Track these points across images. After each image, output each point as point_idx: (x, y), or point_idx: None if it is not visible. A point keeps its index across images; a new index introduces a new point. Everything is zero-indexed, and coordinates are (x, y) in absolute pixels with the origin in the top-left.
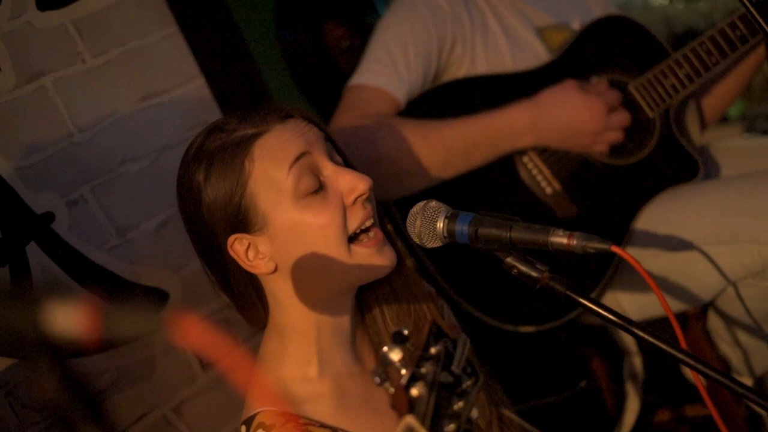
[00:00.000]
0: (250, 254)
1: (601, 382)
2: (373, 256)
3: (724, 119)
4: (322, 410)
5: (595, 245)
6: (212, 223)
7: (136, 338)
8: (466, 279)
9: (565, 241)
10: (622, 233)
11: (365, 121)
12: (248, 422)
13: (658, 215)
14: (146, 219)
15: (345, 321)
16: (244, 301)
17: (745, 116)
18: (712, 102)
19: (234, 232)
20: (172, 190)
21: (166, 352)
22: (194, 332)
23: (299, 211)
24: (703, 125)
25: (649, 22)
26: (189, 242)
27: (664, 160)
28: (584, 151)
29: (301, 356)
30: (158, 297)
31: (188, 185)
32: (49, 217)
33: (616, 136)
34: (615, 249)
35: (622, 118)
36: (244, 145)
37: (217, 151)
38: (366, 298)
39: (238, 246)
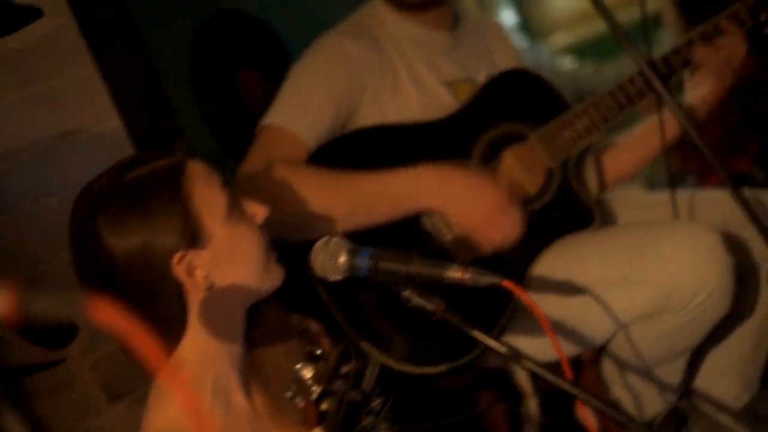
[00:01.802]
0: (192, 270)
1: (497, 425)
2: (278, 274)
3: None
4: None
5: (488, 279)
6: (154, 247)
7: (54, 320)
8: (368, 318)
9: (459, 274)
10: (519, 279)
11: (276, 164)
12: None
13: (553, 261)
14: (59, 253)
15: (236, 350)
16: (170, 327)
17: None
18: (614, 170)
19: (177, 251)
20: None
21: (70, 383)
22: (111, 311)
23: (234, 228)
24: (603, 187)
25: (557, 82)
26: None
27: (561, 208)
28: (473, 230)
29: (195, 390)
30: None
31: (117, 217)
32: None
33: (508, 231)
34: (506, 284)
35: (517, 218)
36: (177, 169)
37: (149, 177)
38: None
39: (180, 266)
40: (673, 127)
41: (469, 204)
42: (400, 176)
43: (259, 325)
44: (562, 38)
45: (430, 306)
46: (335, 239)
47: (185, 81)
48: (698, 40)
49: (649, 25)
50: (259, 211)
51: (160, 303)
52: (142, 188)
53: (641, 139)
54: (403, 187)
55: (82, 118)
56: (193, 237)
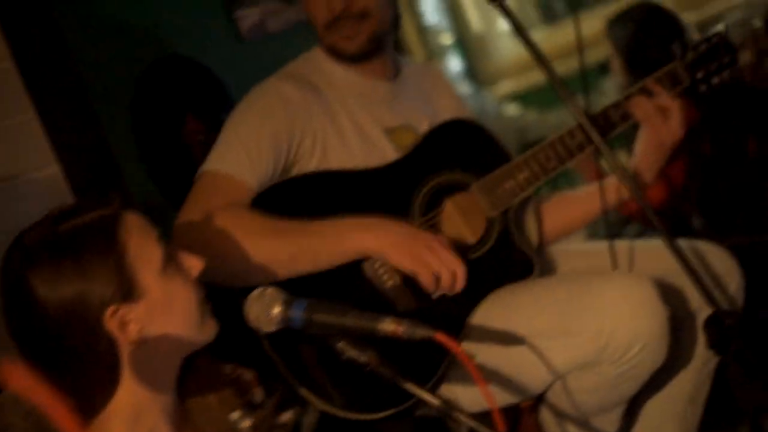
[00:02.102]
0: (126, 323)
1: None
2: (211, 327)
3: None
4: None
5: (422, 333)
6: (87, 301)
7: None
8: (307, 365)
9: (393, 328)
10: (459, 327)
11: (217, 213)
12: None
13: (492, 310)
14: None
15: (168, 401)
16: (99, 384)
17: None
18: (555, 223)
19: (109, 304)
20: None
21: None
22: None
23: (168, 281)
24: (543, 239)
25: (502, 132)
26: None
27: (501, 258)
28: (419, 267)
29: None
30: None
31: (50, 268)
32: None
33: (448, 266)
34: (439, 337)
35: (455, 258)
36: (113, 220)
37: (84, 228)
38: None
39: (112, 319)
40: (614, 192)
41: (407, 243)
42: (340, 223)
43: (192, 375)
44: (507, 86)
45: (363, 358)
46: (270, 290)
47: (127, 127)
48: (638, 95)
49: (588, 77)
50: (194, 264)
51: (91, 358)
52: (76, 240)
53: (583, 200)
54: (344, 233)
55: (21, 164)
56: (127, 291)
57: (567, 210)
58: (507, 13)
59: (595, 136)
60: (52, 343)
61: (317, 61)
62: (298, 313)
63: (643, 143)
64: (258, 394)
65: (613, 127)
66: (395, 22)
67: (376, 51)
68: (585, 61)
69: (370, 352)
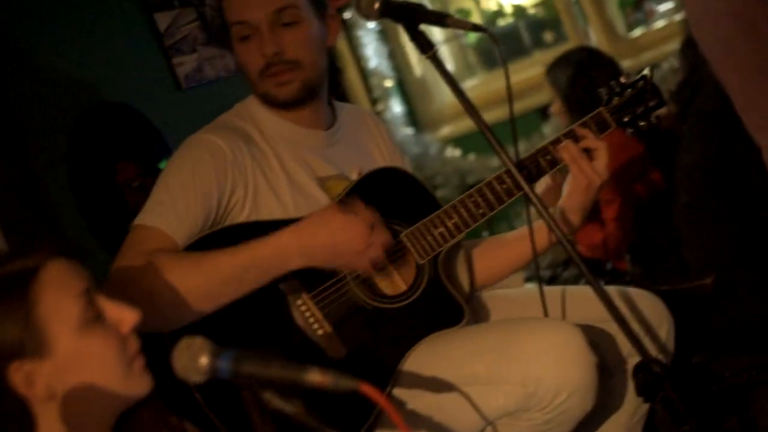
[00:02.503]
0: (32, 380)
1: None
2: (142, 382)
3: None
4: None
5: (347, 385)
6: None
7: None
8: (237, 415)
9: (318, 379)
10: (390, 374)
11: (140, 259)
12: None
13: (423, 357)
14: None
15: None
16: None
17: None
18: (486, 269)
19: (14, 359)
20: None
21: None
22: None
23: (84, 340)
24: (474, 284)
25: (443, 173)
26: None
27: (431, 305)
28: (350, 268)
29: None
30: None
31: None
32: None
33: (377, 253)
34: (363, 388)
35: (383, 236)
36: (29, 273)
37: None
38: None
39: (17, 374)
40: (545, 236)
41: (331, 251)
42: (264, 242)
43: (134, 428)
44: (448, 129)
45: (288, 408)
46: (198, 340)
47: (62, 174)
48: (566, 140)
49: (528, 122)
50: (126, 318)
51: (1, 410)
52: None
53: (513, 243)
54: (268, 255)
55: None
56: (35, 347)
57: (498, 254)
58: (438, 65)
59: (523, 183)
60: None
61: (251, 110)
62: (225, 364)
63: (570, 185)
64: None
65: (542, 173)
66: (330, 72)
67: (309, 99)
68: (526, 105)
69: (297, 402)
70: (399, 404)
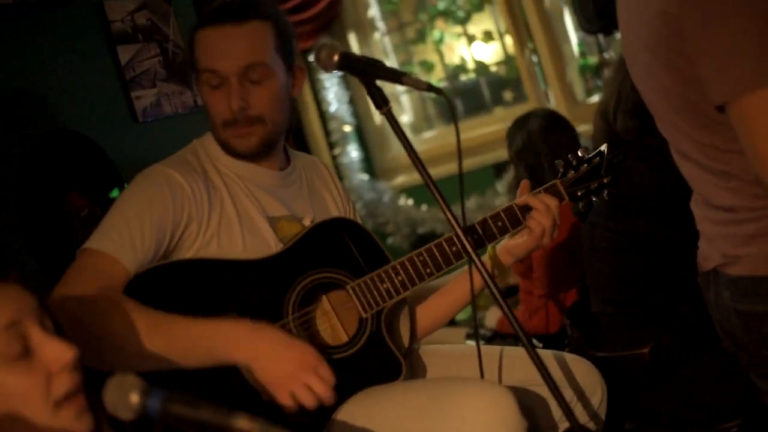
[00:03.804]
0: None
1: None
2: (75, 422)
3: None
4: None
5: None
6: None
7: None
8: None
9: (247, 426)
10: (323, 422)
11: (94, 294)
12: None
13: (356, 410)
14: None
15: None
16: None
17: (470, 321)
18: (425, 317)
19: None
20: None
21: None
22: None
23: (5, 374)
24: (414, 336)
25: (395, 222)
26: None
27: (370, 358)
28: (279, 388)
29: None
30: None
31: None
32: None
33: (315, 386)
34: None
35: (327, 376)
36: None
37: None
38: None
39: None
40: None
41: (274, 360)
42: (214, 327)
43: None
44: (403, 179)
45: None
46: (130, 377)
47: (10, 197)
48: (518, 209)
49: (482, 177)
50: (60, 357)
51: None
52: None
53: (450, 288)
54: (217, 337)
55: None
56: None
57: (436, 302)
58: (391, 120)
59: (470, 249)
60: None
61: (207, 147)
62: (154, 403)
63: (520, 240)
64: None
65: (491, 238)
66: (291, 124)
67: (266, 152)
68: (482, 160)
69: None
70: None
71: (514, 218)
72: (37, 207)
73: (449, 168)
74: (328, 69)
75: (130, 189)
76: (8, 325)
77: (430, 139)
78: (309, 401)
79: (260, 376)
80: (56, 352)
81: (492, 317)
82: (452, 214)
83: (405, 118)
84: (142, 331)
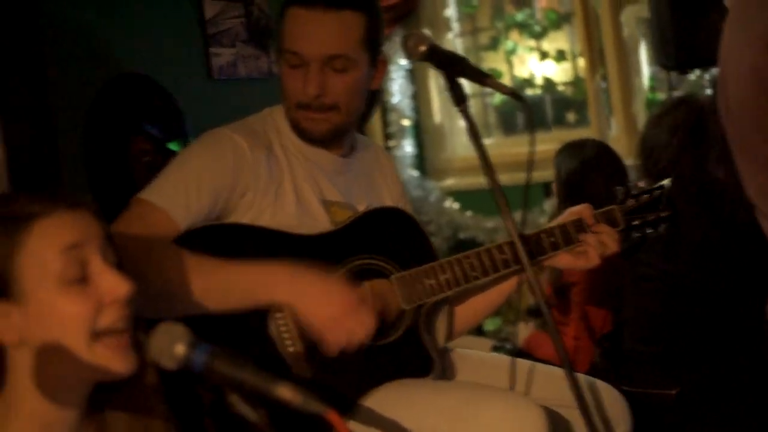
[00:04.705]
0: (1, 321)
1: None
2: (111, 359)
3: (479, 331)
4: None
5: (315, 408)
6: None
7: None
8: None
9: (289, 395)
10: (350, 405)
11: (150, 240)
12: None
13: (387, 399)
14: None
15: (73, 415)
16: None
17: (498, 333)
18: (463, 314)
19: None
20: None
21: None
22: None
23: (57, 296)
24: (451, 334)
25: (438, 223)
26: None
27: (404, 351)
28: (324, 333)
29: None
30: None
31: None
32: None
33: (359, 332)
34: (331, 416)
35: (370, 321)
36: (26, 220)
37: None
38: (101, 399)
39: None
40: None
41: (318, 302)
42: (256, 267)
43: (112, 403)
44: (452, 181)
45: (252, 416)
46: (178, 327)
47: (78, 137)
48: (572, 228)
49: (528, 197)
50: (117, 289)
51: None
52: None
53: (487, 287)
54: (258, 277)
55: None
56: (12, 289)
57: (474, 302)
58: (467, 118)
59: (524, 257)
60: None
61: (277, 121)
62: (200, 357)
63: (567, 256)
64: None
65: (542, 253)
66: (363, 115)
67: (335, 139)
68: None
69: (261, 411)
70: None
71: (567, 237)
72: (103, 145)
73: (500, 178)
74: (413, 57)
75: (195, 147)
76: (70, 247)
77: (486, 147)
78: (352, 342)
79: (303, 316)
80: (112, 284)
81: (521, 334)
82: (513, 221)
83: (463, 123)
84: (193, 274)
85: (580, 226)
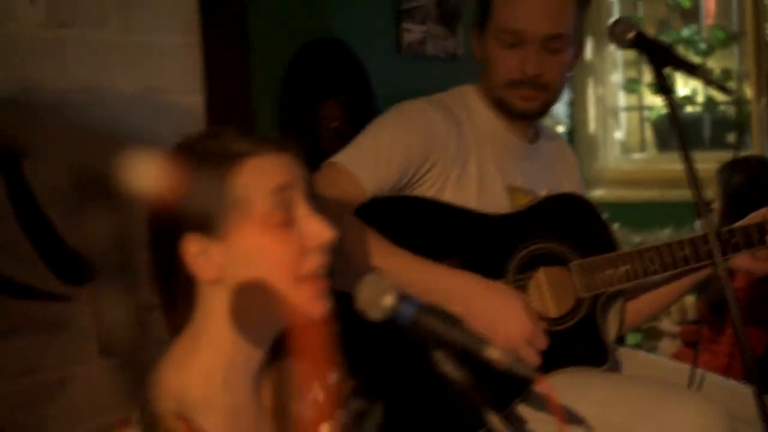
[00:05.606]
0: (201, 257)
1: None
2: (312, 302)
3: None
4: (214, 423)
5: (525, 371)
6: (177, 214)
7: None
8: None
9: (497, 356)
10: (522, 388)
11: (340, 206)
12: (143, 415)
13: (563, 386)
14: None
15: (259, 354)
16: (175, 302)
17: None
18: (634, 310)
19: (194, 230)
20: None
21: (63, 323)
22: None
23: (263, 236)
24: (621, 329)
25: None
26: None
27: (579, 339)
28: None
29: (210, 367)
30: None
31: (170, 173)
32: None
33: (534, 360)
34: (540, 381)
35: (542, 340)
36: (237, 157)
37: (211, 154)
38: (281, 346)
39: (192, 245)
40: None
41: (494, 329)
42: (437, 272)
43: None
44: (601, 193)
45: (457, 376)
46: (387, 280)
47: (274, 99)
48: (755, 230)
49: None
50: (320, 234)
51: (174, 277)
52: (200, 160)
53: (660, 285)
54: (437, 284)
55: (168, 82)
56: (216, 226)
57: (645, 298)
58: (673, 109)
59: (717, 252)
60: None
61: (468, 100)
62: (408, 311)
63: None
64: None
65: (736, 249)
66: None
67: (537, 117)
68: (685, 196)
69: (465, 371)
70: (521, 421)
71: (749, 239)
72: (295, 107)
73: (651, 194)
74: (619, 44)
75: (390, 116)
76: (279, 189)
77: (638, 161)
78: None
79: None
80: (317, 229)
81: (665, 350)
82: (708, 215)
83: (618, 135)
84: (369, 254)
85: (763, 229)
